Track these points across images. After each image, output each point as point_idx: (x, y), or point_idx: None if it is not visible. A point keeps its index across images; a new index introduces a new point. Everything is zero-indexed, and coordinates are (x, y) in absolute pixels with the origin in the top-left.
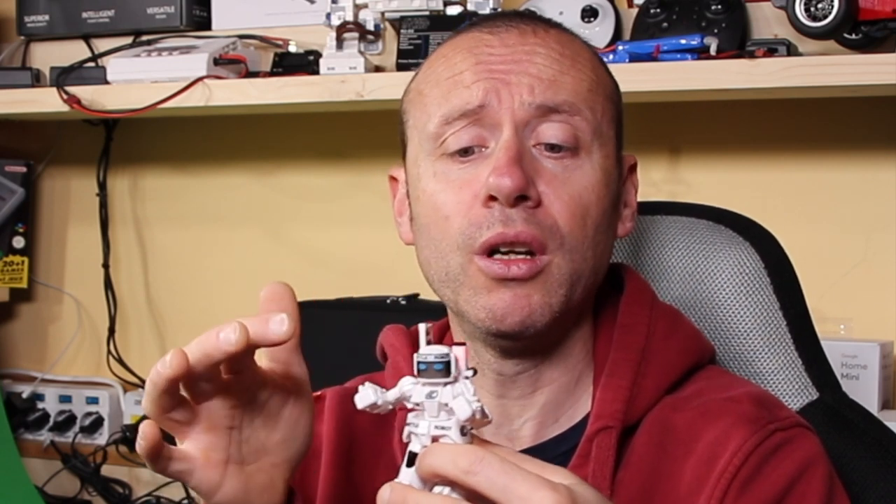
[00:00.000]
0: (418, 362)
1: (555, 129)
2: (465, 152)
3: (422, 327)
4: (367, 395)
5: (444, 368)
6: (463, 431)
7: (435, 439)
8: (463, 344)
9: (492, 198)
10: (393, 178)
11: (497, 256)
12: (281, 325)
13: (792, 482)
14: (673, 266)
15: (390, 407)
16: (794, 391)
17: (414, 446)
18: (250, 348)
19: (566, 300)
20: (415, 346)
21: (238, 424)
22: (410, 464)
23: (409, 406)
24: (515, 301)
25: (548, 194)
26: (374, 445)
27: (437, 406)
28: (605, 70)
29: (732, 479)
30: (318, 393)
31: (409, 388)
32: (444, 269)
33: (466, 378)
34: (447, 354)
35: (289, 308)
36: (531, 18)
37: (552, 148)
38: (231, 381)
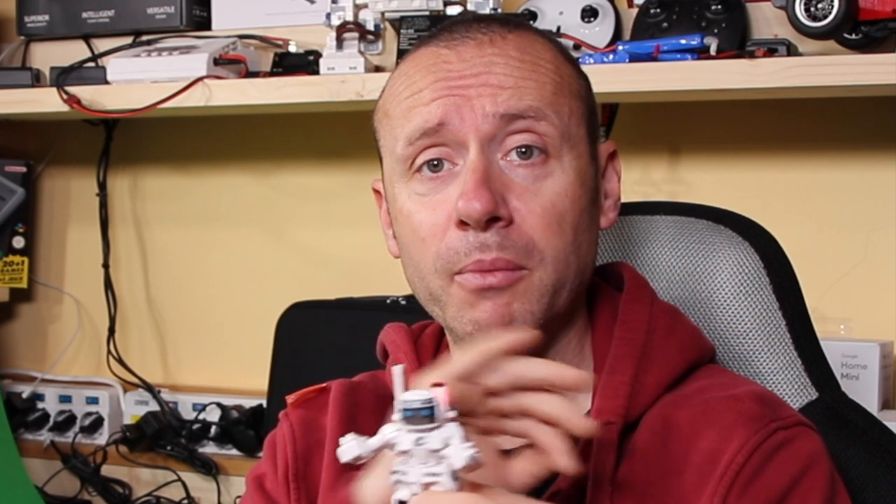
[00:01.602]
0: (403, 409)
1: (521, 137)
2: (434, 166)
3: (396, 371)
4: (350, 449)
5: (431, 414)
6: (454, 476)
7: (426, 486)
8: (441, 385)
9: (464, 222)
10: (377, 192)
11: (474, 272)
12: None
13: (794, 481)
14: (673, 266)
15: (373, 456)
16: (794, 391)
17: (401, 494)
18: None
19: (549, 308)
20: (416, 344)
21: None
22: None
23: (393, 453)
24: (496, 310)
25: (520, 209)
26: None
27: (427, 453)
28: (572, 67)
29: (735, 478)
30: (325, 384)
31: (393, 434)
32: (428, 290)
33: (452, 420)
34: (431, 399)
35: None
36: (489, 25)
37: (522, 153)
38: None
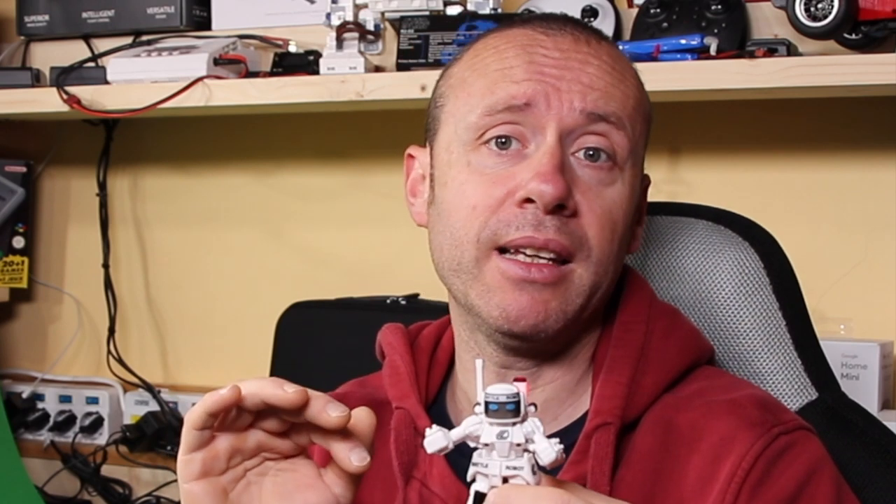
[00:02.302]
0: (488, 402)
1: (596, 139)
2: (502, 143)
3: (479, 364)
4: (436, 440)
5: (516, 409)
6: (534, 471)
7: (505, 479)
8: (524, 380)
9: (528, 200)
10: (410, 156)
11: (520, 258)
12: (336, 411)
13: (801, 486)
14: (673, 266)
15: (453, 447)
16: (794, 391)
17: (480, 486)
18: (295, 410)
19: (582, 309)
20: (412, 346)
21: (254, 467)
22: (477, 503)
23: (474, 445)
24: (532, 305)
25: (582, 205)
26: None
27: (510, 446)
28: (645, 92)
29: (743, 484)
30: None
31: (476, 427)
32: (457, 259)
33: (533, 416)
34: (518, 394)
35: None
36: (584, 27)
37: (591, 156)
38: (280, 428)
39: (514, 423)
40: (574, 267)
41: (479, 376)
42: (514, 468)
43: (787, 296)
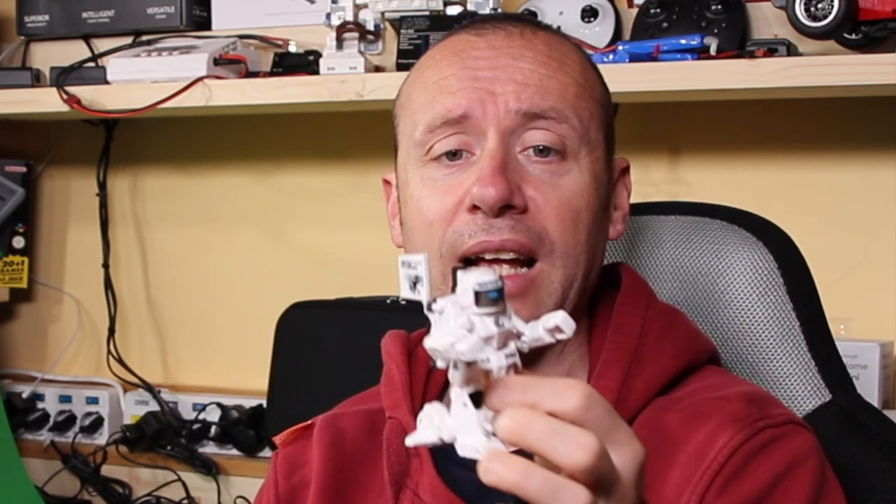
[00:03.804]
0: (481, 292)
1: (541, 134)
2: (452, 155)
3: (423, 258)
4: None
5: (501, 294)
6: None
7: (511, 367)
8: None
9: (476, 207)
10: (386, 182)
11: (482, 265)
12: None
13: (778, 478)
14: (686, 266)
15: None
16: (807, 393)
17: (466, 387)
18: None
19: (556, 308)
20: (411, 355)
21: None
22: (477, 405)
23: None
24: None
25: (536, 199)
26: (363, 471)
27: (506, 335)
28: (596, 74)
29: (715, 476)
30: (309, 421)
31: (467, 333)
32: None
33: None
34: (501, 279)
35: None
36: (520, 21)
37: (540, 152)
38: None
39: (501, 310)
40: (540, 266)
41: (425, 272)
42: (511, 355)
43: (802, 296)
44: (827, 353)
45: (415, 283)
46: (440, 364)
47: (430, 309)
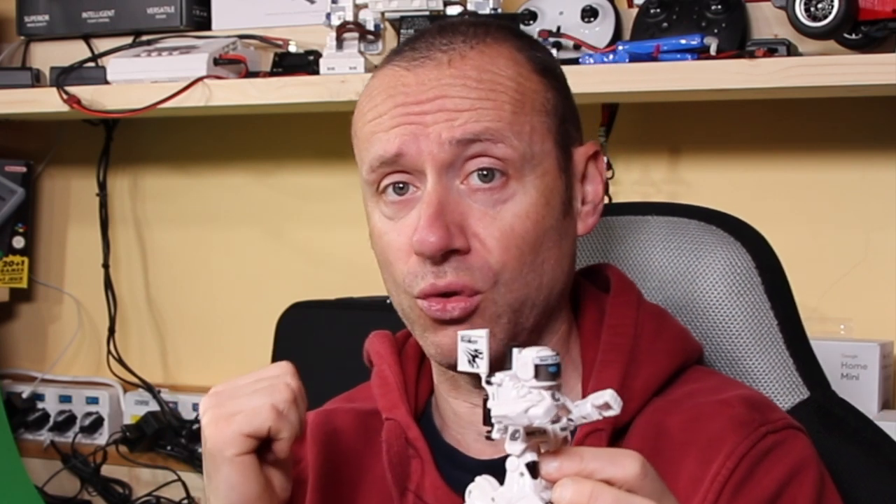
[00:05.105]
0: (541, 366)
1: (479, 161)
2: (401, 189)
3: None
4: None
5: (558, 371)
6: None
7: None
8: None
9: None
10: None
11: (433, 298)
12: None
13: (783, 486)
14: (664, 266)
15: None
16: (785, 390)
17: (525, 456)
18: None
19: (511, 327)
20: (400, 354)
21: None
22: (534, 475)
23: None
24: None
25: (478, 234)
26: (359, 465)
27: (560, 408)
28: (539, 78)
29: (725, 483)
30: None
31: (533, 399)
32: (399, 307)
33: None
34: (557, 354)
35: None
36: (452, 40)
37: (483, 177)
38: None
39: (558, 385)
40: (484, 295)
41: (485, 347)
42: (564, 429)
43: (779, 295)
44: (804, 351)
45: (474, 357)
46: (496, 434)
47: (488, 382)
